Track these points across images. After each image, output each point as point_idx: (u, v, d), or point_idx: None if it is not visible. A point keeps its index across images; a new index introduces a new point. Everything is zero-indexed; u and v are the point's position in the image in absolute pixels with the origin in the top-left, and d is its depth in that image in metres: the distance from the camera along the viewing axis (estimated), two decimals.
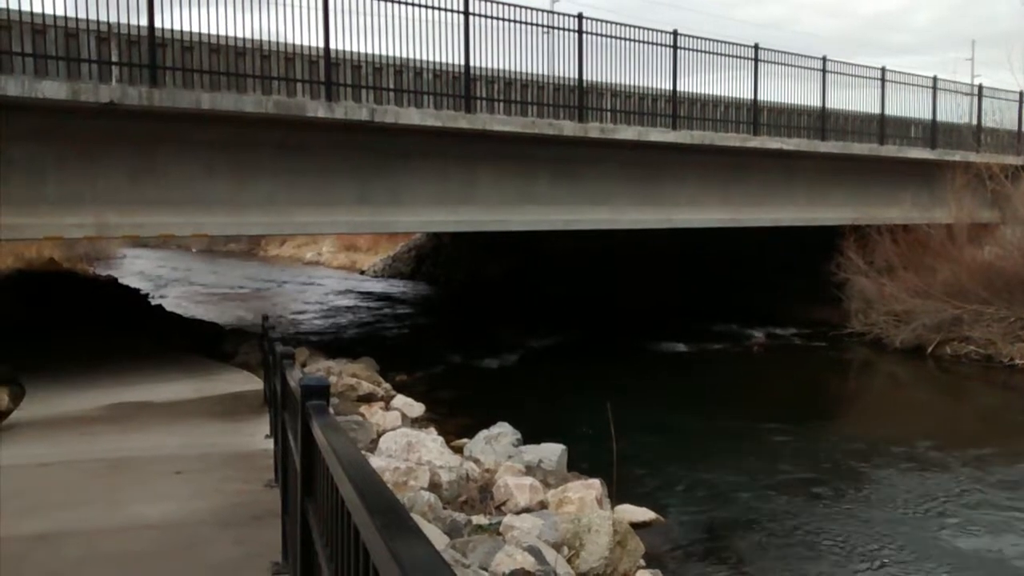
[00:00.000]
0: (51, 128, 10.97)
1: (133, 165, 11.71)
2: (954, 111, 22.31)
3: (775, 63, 18.09)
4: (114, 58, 10.90)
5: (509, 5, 13.97)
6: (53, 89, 10.17)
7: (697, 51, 16.66)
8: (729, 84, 17.63)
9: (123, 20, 10.81)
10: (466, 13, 13.56)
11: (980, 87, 23.33)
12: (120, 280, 31.41)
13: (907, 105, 21.10)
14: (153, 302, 24.97)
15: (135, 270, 42.67)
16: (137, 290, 28.35)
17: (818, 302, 21.39)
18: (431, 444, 8.59)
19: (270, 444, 7.13)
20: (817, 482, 10.29)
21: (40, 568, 4.89)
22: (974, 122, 22.80)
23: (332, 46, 12.35)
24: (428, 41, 13.14)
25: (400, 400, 11.60)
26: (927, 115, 21.62)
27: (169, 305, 24.76)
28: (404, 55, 13.07)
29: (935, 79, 21.58)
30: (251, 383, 11.13)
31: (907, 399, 16.73)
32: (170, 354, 13.76)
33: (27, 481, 6.79)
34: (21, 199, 10.94)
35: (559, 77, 15.01)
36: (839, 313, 20.50)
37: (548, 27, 14.62)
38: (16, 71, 10.19)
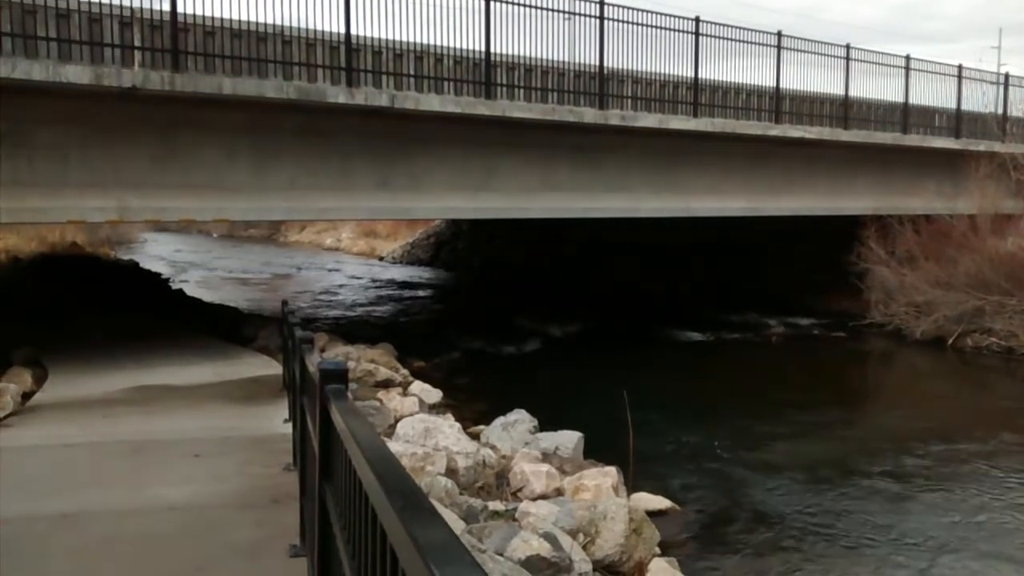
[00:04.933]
0: (75, 112, 11.06)
1: (155, 150, 11.79)
2: (979, 100, 22.07)
3: (798, 51, 17.95)
4: (137, 43, 10.96)
5: None
6: (77, 74, 10.25)
7: (719, 38, 16.55)
8: (751, 72, 17.52)
9: (146, 5, 10.88)
10: None
11: (1006, 75, 23.04)
12: (141, 264, 31.63)
13: (931, 94, 20.89)
14: (174, 286, 25.14)
15: (156, 254, 42.97)
16: (158, 274, 28.56)
17: (838, 292, 21.28)
18: (448, 430, 8.62)
19: (289, 428, 7.20)
20: (835, 473, 10.26)
21: (65, 547, 4.96)
22: (999, 111, 22.53)
23: (353, 32, 12.37)
24: (449, 27, 13.14)
25: (418, 386, 11.65)
26: (952, 104, 21.39)
27: (190, 289, 24.93)
28: (425, 41, 13.07)
29: (960, 67, 21.34)
30: (270, 367, 11.21)
31: (928, 390, 16.62)
32: (191, 338, 13.87)
33: (51, 462, 6.89)
34: (45, 183, 11.06)
35: (580, 64, 14.96)
36: (859, 303, 20.37)
37: (569, 13, 14.56)
38: (41, 56, 10.28)
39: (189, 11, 11.19)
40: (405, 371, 12.43)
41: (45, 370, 11.00)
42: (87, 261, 28.51)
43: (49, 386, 10.19)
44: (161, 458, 6.99)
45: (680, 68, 16.19)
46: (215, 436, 7.74)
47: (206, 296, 23.23)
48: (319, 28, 12.23)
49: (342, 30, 12.32)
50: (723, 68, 16.90)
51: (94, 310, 16.64)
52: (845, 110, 19.04)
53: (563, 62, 14.78)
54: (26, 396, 9.53)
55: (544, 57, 14.41)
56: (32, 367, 10.93)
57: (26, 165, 10.89)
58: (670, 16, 15.82)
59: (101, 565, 4.71)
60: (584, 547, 6.50)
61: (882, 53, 19.78)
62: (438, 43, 13.20)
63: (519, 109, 14.08)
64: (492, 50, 13.70)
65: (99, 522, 5.37)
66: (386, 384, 11.42)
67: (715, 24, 16.44)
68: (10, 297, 18.73)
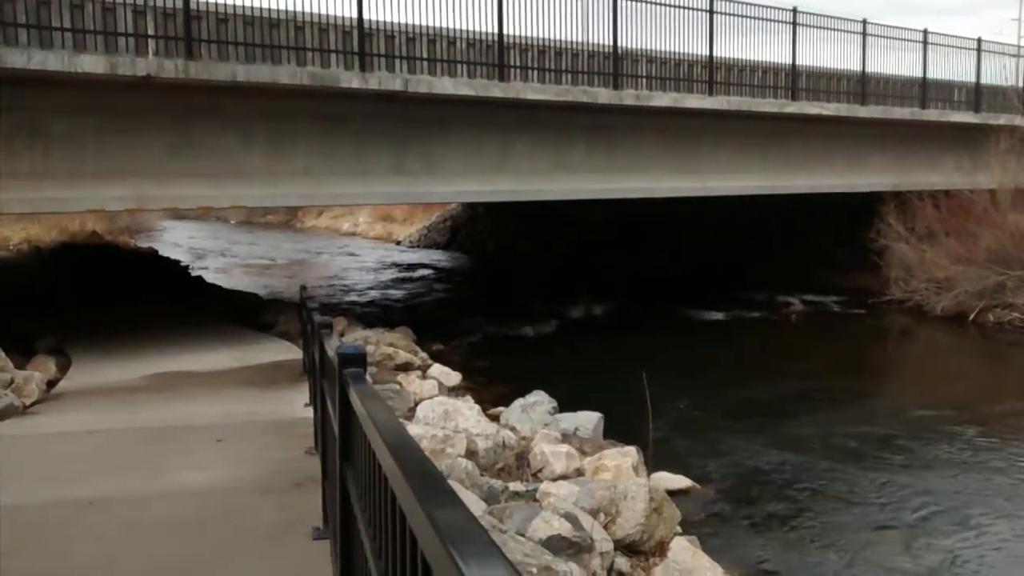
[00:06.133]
0: (90, 102, 11.11)
1: (171, 137, 11.83)
2: (999, 73, 21.79)
3: (814, 27, 17.78)
4: (150, 31, 10.99)
5: None
6: (91, 63, 10.29)
7: (734, 15, 16.41)
8: (767, 49, 17.37)
9: None
10: None
11: None
12: (160, 252, 31.82)
13: (950, 68, 20.66)
14: (193, 273, 25.29)
15: (175, 241, 43.21)
16: (177, 261, 28.71)
17: (857, 269, 21.15)
18: (468, 412, 8.65)
19: (309, 412, 7.23)
20: (857, 449, 10.23)
21: (89, 532, 5.03)
22: (1020, 84, 22.24)
23: (365, 16, 12.35)
24: (461, 9, 13.08)
25: (437, 369, 11.68)
26: (971, 78, 21.14)
27: (209, 276, 25.07)
28: (437, 24, 13.02)
29: (979, 41, 21.08)
30: (290, 352, 11.27)
31: (949, 366, 16.53)
32: (211, 324, 13.95)
33: (75, 448, 6.97)
34: (63, 173, 11.13)
35: (593, 44, 14.87)
36: (878, 280, 20.23)
37: None
38: (56, 46, 10.32)
39: None
40: (424, 354, 12.47)
41: (68, 358, 11.10)
42: (107, 250, 28.69)
43: (72, 374, 10.30)
44: (183, 444, 7.05)
45: (695, 46, 16.08)
46: (236, 421, 7.80)
47: (225, 283, 23.36)
48: (331, 13, 12.21)
49: (354, 14, 12.30)
50: (738, 45, 16.78)
51: (115, 298, 16.75)
52: (862, 86, 18.85)
53: (577, 42, 14.70)
54: (50, 384, 9.63)
55: (557, 38, 14.33)
56: (55, 355, 11.05)
57: (43, 155, 10.96)
58: None
59: (125, 550, 4.77)
60: (605, 527, 6.52)
61: (899, 27, 19.59)
62: (451, 26, 13.15)
63: (533, 91, 14.03)
64: (505, 32, 13.64)
65: (122, 507, 5.43)
66: (405, 367, 11.47)
67: (730, 1, 16.29)
68: (32, 286, 18.91)
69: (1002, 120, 21.02)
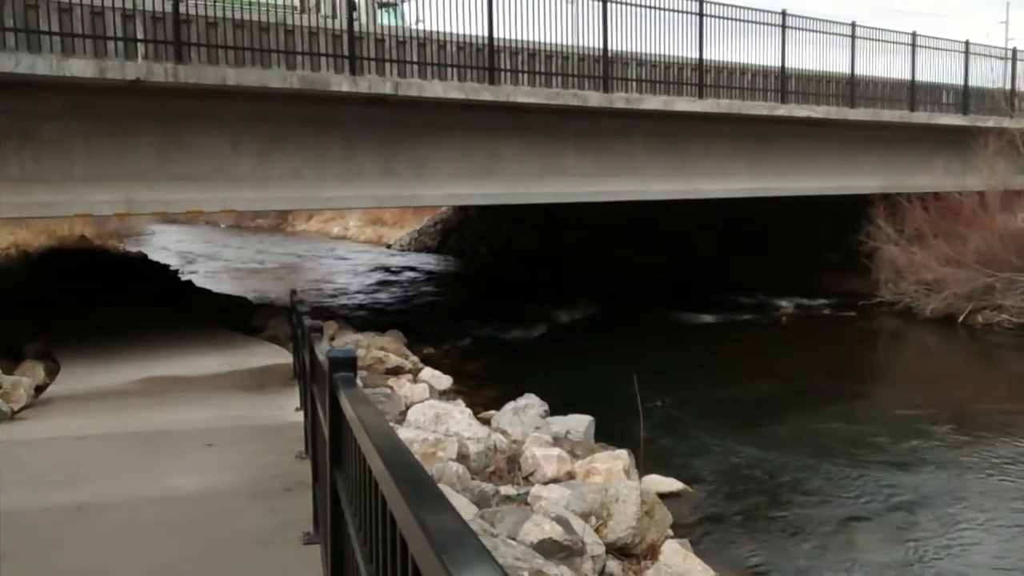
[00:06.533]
0: (79, 106, 11.07)
1: (160, 142, 11.80)
2: (987, 76, 21.90)
3: (803, 29, 17.84)
4: (139, 35, 10.95)
5: None
6: (80, 67, 10.26)
7: (724, 18, 16.46)
8: (757, 52, 17.42)
9: None
10: None
11: (1014, 51, 22.85)
12: (150, 256, 31.71)
13: (938, 71, 20.75)
14: (183, 277, 25.20)
15: (164, 246, 43.06)
16: (167, 266, 28.62)
17: (847, 272, 21.22)
18: (459, 416, 8.64)
19: (300, 416, 7.22)
20: (846, 449, 10.25)
21: (80, 537, 5.00)
22: (1007, 87, 22.36)
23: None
24: (451, 13, 13.10)
25: (428, 373, 11.68)
26: (959, 80, 21.25)
27: (199, 280, 24.98)
28: (427, 28, 13.02)
29: (967, 43, 21.18)
30: (281, 356, 11.24)
31: (939, 368, 16.58)
32: (201, 329, 13.90)
33: (65, 454, 6.93)
34: (51, 177, 11.09)
35: (584, 47, 14.89)
36: (868, 283, 20.30)
37: None
38: (44, 50, 10.29)
39: (191, 2, 11.18)
40: (415, 358, 12.46)
41: (57, 363, 11.05)
42: (96, 254, 28.59)
43: (61, 379, 10.25)
44: (174, 448, 7.03)
45: (685, 49, 16.12)
46: (227, 426, 7.78)
47: (215, 287, 23.29)
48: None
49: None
50: (728, 48, 16.83)
51: (104, 303, 16.69)
52: (851, 88, 18.93)
53: (567, 46, 14.72)
54: (39, 389, 9.58)
55: (547, 41, 14.35)
56: (44, 360, 10.99)
57: (31, 159, 10.92)
58: None
59: (116, 555, 4.75)
60: (596, 530, 6.52)
61: (888, 30, 19.66)
62: (441, 29, 13.16)
63: (523, 94, 14.03)
64: (495, 35, 13.65)
65: (113, 513, 5.41)
66: (396, 371, 11.45)
67: (719, 4, 16.35)
68: (21, 291, 18.82)
69: (990, 122, 21.12)
